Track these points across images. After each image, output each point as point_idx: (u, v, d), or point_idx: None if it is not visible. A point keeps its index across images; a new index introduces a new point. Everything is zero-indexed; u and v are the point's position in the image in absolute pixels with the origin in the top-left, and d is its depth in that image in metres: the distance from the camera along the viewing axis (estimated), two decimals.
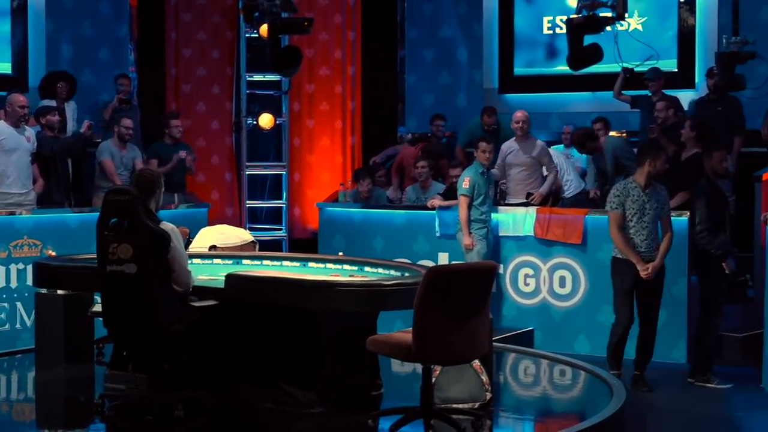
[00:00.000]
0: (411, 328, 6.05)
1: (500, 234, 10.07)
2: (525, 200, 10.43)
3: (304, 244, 12.57)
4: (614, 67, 12.19)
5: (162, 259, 6.37)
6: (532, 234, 9.95)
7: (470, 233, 9.70)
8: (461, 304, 5.94)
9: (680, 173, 9.60)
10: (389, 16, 13.77)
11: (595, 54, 9.84)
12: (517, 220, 10.04)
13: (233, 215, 12.97)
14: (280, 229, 13.02)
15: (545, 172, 10.64)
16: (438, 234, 10.37)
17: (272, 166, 13.15)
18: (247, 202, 12.95)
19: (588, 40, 9.88)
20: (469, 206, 9.69)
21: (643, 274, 8.02)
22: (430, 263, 9.75)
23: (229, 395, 6.89)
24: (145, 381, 6.75)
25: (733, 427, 7.54)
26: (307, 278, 6.67)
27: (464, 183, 9.74)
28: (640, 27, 12.13)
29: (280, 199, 13.12)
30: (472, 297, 6.01)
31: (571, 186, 11.04)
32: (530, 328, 9.90)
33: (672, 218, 8.31)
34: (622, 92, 11.64)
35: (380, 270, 7.47)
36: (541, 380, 8.54)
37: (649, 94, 11.19)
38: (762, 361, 8.49)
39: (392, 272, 7.35)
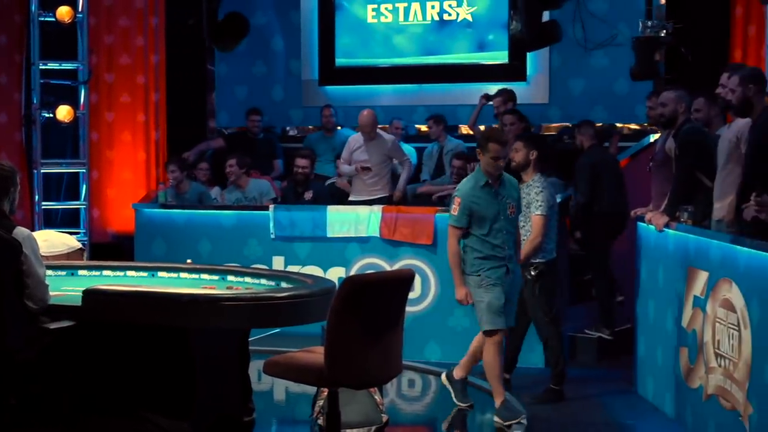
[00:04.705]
0: (314, 348, 5.35)
1: (341, 235, 9.39)
2: (369, 198, 9.78)
3: (106, 250, 11.53)
4: (444, 59, 11.84)
5: (11, 272, 5.33)
6: (377, 235, 9.31)
7: (466, 277, 7.06)
8: (378, 319, 5.24)
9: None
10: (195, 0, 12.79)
11: (555, 32, 9.12)
12: (360, 219, 9.36)
13: (24, 218, 11.68)
14: (79, 233, 11.84)
15: None
16: (273, 236, 9.58)
17: (69, 163, 11.96)
18: (43, 203, 11.69)
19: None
20: (460, 239, 7.10)
21: None
22: (264, 268, 8.94)
23: (87, 430, 5.87)
24: None
25: None
26: (184, 292, 5.75)
27: (453, 206, 7.08)
28: (470, 17, 11.71)
29: (78, 199, 11.96)
30: (389, 310, 5.30)
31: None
32: None
33: None
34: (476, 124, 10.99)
35: (247, 279, 6.63)
36: (425, 395, 8.00)
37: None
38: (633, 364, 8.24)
39: (263, 282, 6.53)
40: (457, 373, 7.37)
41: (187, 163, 10.91)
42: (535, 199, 7.50)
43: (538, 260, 7.56)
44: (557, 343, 7.71)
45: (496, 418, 6.92)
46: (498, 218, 6.95)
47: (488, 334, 6.92)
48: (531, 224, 7.51)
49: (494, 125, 9.86)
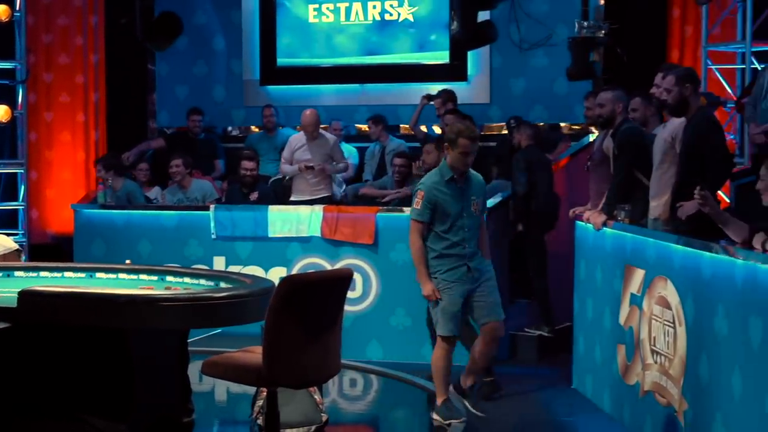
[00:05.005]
0: (252, 348, 5.35)
1: (283, 235, 9.37)
2: (311, 198, 9.78)
3: (46, 251, 11.44)
4: (385, 59, 11.88)
5: None
6: (318, 234, 9.30)
7: (431, 277, 6.79)
8: (316, 318, 5.23)
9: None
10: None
11: (490, 33, 9.13)
12: (301, 219, 9.35)
13: None
14: (17, 234, 11.71)
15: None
16: (214, 236, 9.54)
17: (7, 164, 11.83)
18: None
19: None
20: (423, 235, 6.87)
21: None
22: (205, 268, 8.90)
23: None
24: None
25: None
26: (121, 293, 5.71)
27: (416, 200, 6.80)
28: (411, 17, 11.73)
29: (17, 200, 11.83)
30: (328, 309, 5.30)
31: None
32: None
33: None
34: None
35: (187, 279, 6.58)
36: (366, 395, 8.02)
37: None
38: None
39: (202, 282, 6.49)
40: (465, 383, 7.19)
41: (122, 163, 10.80)
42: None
43: None
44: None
45: (435, 416, 6.92)
46: (461, 215, 6.72)
47: (441, 338, 6.89)
48: None
49: (435, 125, 9.91)
